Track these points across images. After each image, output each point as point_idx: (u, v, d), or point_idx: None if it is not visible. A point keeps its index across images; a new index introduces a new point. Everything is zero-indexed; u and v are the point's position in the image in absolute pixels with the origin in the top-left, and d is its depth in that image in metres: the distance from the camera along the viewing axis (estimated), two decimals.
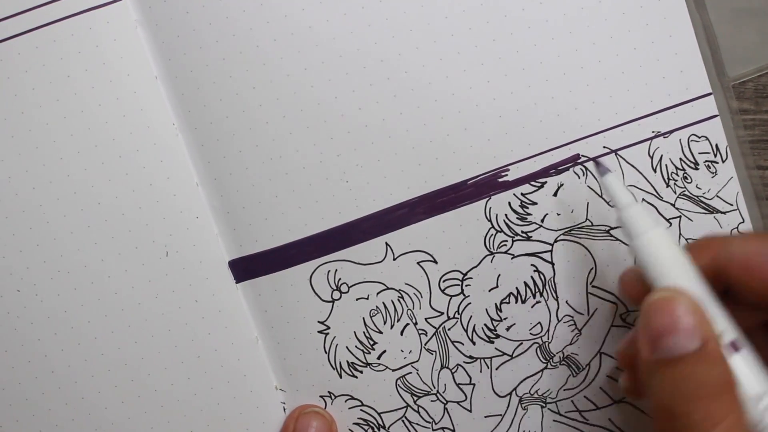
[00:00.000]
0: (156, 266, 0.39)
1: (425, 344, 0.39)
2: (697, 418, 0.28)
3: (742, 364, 0.30)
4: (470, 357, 0.39)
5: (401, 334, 0.39)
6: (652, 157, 0.38)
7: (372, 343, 0.39)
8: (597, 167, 0.35)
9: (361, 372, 0.39)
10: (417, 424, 0.40)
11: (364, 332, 0.39)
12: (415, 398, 0.40)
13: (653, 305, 0.30)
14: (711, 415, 0.28)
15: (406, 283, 0.39)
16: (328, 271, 0.39)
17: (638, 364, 0.31)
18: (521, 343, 0.39)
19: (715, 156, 0.38)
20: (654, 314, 0.30)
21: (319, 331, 0.39)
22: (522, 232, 0.39)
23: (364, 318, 0.39)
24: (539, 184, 0.39)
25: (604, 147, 0.38)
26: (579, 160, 0.38)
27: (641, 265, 0.32)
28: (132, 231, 0.39)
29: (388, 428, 0.40)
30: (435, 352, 0.39)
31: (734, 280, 0.32)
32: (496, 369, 0.39)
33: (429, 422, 0.40)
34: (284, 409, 0.39)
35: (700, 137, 0.38)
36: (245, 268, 0.39)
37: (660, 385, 0.29)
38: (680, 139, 0.38)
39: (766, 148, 0.40)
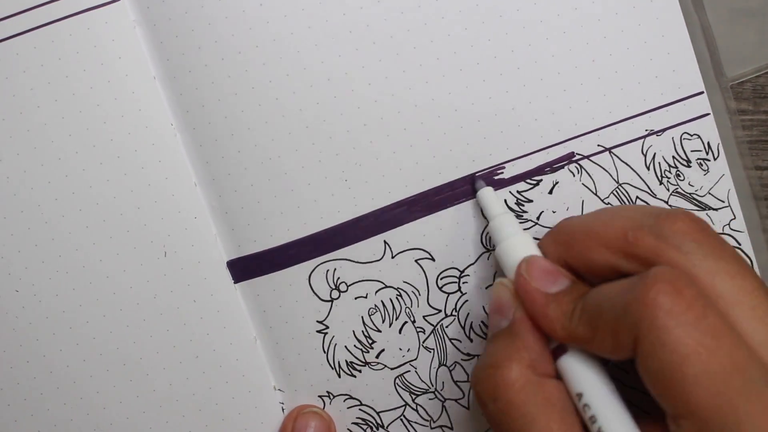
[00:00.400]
0: (154, 266, 0.39)
1: (423, 342, 0.39)
2: (484, 386, 0.31)
3: (565, 366, 0.31)
4: (468, 354, 0.39)
5: (399, 332, 0.39)
6: (645, 155, 0.39)
7: (371, 342, 0.39)
8: (474, 182, 0.39)
9: (360, 371, 0.39)
10: (415, 422, 0.40)
11: (362, 331, 0.39)
12: (414, 396, 0.40)
13: (490, 291, 0.35)
14: (495, 383, 0.31)
15: (404, 281, 0.39)
16: (327, 271, 0.39)
17: None
18: None
19: (707, 154, 0.39)
20: (490, 300, 0.35)
21: (317, 331, 0.39)
22: None
23: (362, 317, 0.39)
24: (535, 182, 0.39)
25: (599, 145, 0.39)
26: (574, 158, 0.39)
27: (501, 267, 0.35)
28: (130, 231, 0.39)
29: (387, 427, 0.40)
30: (433, 349, 0.39)
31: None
32: None
33: (427, 420, 0.40)
34: (283, 410, 0.39)
35: (692, 135, 0.39)
36: (243, 268, 0.39)
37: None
38: (673, 138, 0.39)
39: (764, 148, 0.40)
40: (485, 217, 0.38)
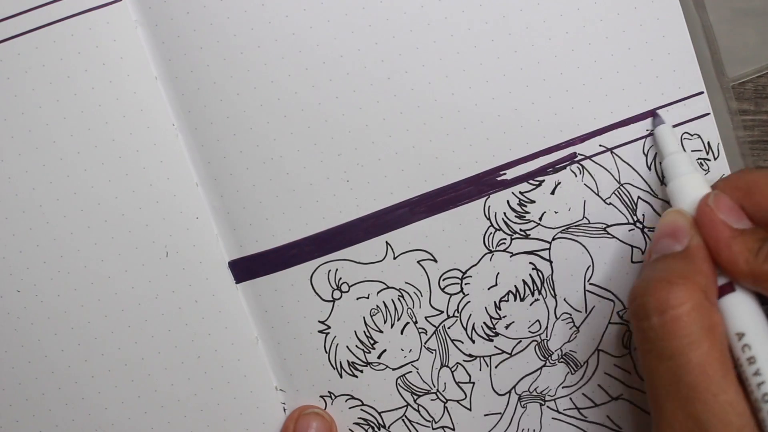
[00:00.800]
0: (156, 267, 0.39)
1: (425, 343, 0.39)
2: (653, 298, 0.31)
3: (730, 304, 0.31)
4: (470, 355, 0.40)
5: (401, 333, 0.39)
6: (646, 155, 0.39)
7: (372, 342, 0.39)
8: (654, 119, 0.38)
9: (362, 371, 0.39)
10: (417, 423, 0.40)
11: (364, 331, 0.39)
12: (415, 397, 0.40)
13: (662, 218, 0.35)
14: (666, 297, 0.30)
15: (407, 282, 0.39)
16: (329, 271, 0.39)
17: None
18: (520, 341, 0.39)
19: (708, 153, 0.39)
20: (659, 225, 0.34)
21: (319, 331, 0.39)
22: (520, 230, 0.39)
23: (364, 317, 0.39)
24: (537, 183, 0.39)
25: (600, 145, 0.39)
26: (576, 159, 0.39)
27: (672, 203, 0.36)
28: (132, 231, 0.38)
29: (389, 427, 0.40)
30: (435, 350, 0.40)
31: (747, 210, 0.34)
32: (496, 367, 0.40)
33: (429, 421, 0.40)
34: (284, 410, 0.39)
35: (692, 135, 0.39)
36: (245, 269, 0.39)
37: (640, 275, 0.33)
38: None
39: (765, 148, 0.40)
40: (660, 155, 0.38)
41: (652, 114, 0.39)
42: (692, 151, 0.39)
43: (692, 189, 0.35)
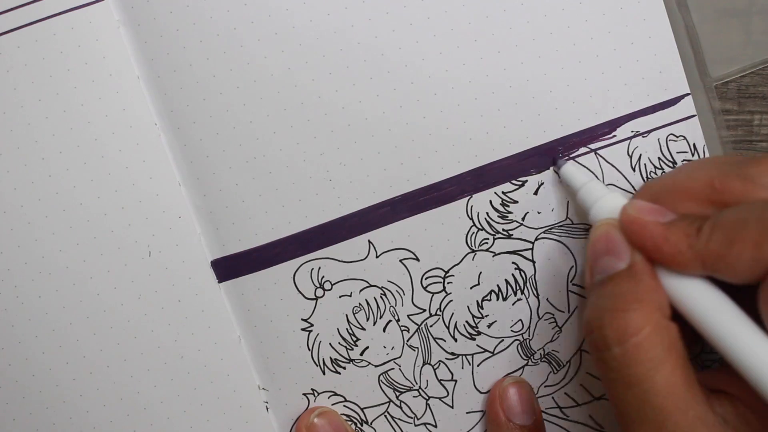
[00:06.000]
0: (138, 266, 0.40)
1: (407, 341, 0.41)
2: (611, 329, 0.31)
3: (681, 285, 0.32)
4: (452, 353, 0.41)
5: (384, 330, 0.41)
6: (631, 157, 0.40)
7: (355, 339, 0.41)
8: (555, 162, 0.40)
9: (344, 368, 0.41)
10: (399, 419, 0.41)
11: (347, 329, 0.41)
12: (398, 393, 0.41)
13: (592, 233, 0.35)
14: (625, 326, 0.31)
15: (389, 281, 0.41)
16: (312, 269, 0.40)
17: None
18: (502, 340, 0.41)
19: (693, 155, 0.40)
20: (592, 241, 0.34)
21: (302, 329, 0.41)
22: (503, 230, 0.41)
23: (347, 315, 0.41)
24: (520, 183, 0.40)
25: (586, 146, 0.40)
26: (560, 159, 0.40)
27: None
28: (114, 231, 0.40)
29: (371, 423, 0.41)
30: (417, 348, 0.41)
31: None
32: (478, 366, 0.41)
33: (411, 417, 0.41)
34: (267, 409, 0.41)
35: (678, 137, 0.40)
36: (228, 268, 0.40)
37: (589, 301, 0.33)
38: (658, 139, 0.40)
39: (748, 148, 0.42)
40: (573, 192, 0.39)
41: (552, 161, 0.40)
42: (677, 152, 0.40)
43: (615, 205, 0.35)
